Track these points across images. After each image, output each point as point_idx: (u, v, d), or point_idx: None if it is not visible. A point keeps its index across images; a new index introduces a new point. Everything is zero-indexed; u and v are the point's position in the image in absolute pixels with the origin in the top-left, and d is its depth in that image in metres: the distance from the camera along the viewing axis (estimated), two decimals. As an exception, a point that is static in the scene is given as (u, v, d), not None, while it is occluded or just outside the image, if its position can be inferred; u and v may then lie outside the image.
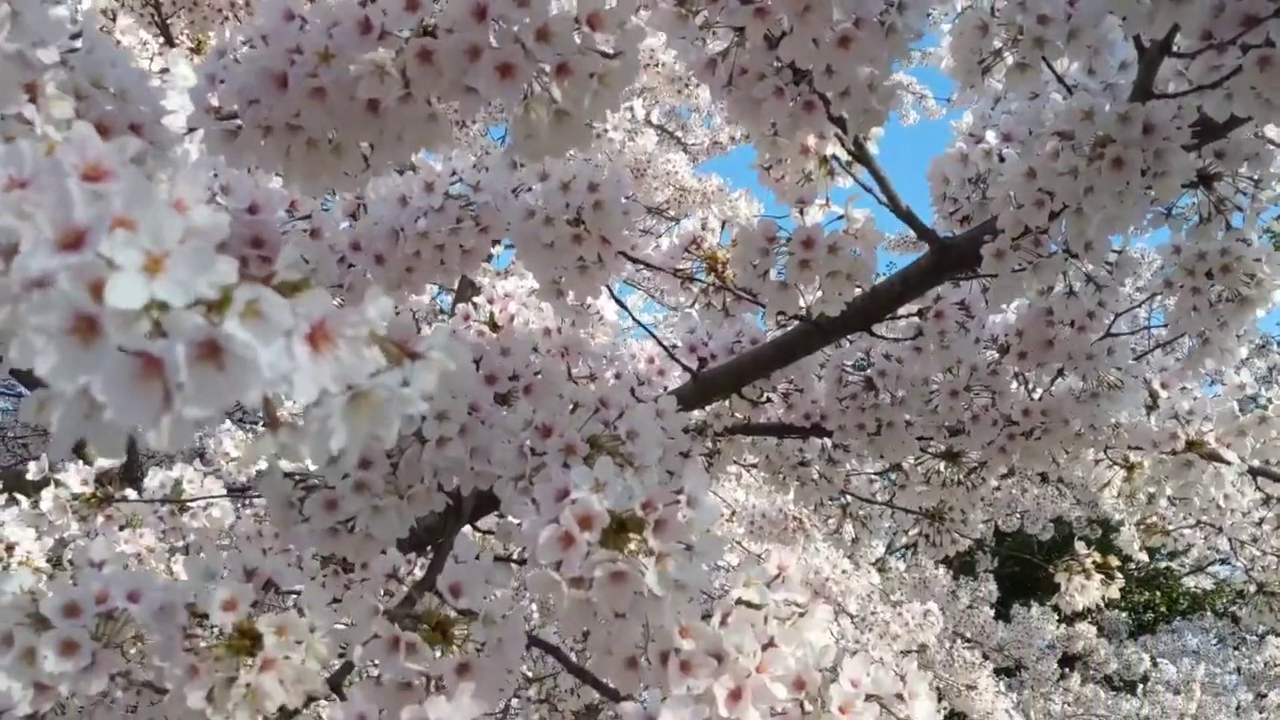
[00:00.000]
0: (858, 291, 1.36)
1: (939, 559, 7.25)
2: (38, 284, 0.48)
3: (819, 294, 1.31)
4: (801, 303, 1.35)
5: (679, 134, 5.47)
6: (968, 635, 6.47)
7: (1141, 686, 8.02)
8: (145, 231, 0.46)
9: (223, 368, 0.44)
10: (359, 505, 1.03)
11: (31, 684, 0.81)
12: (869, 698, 0.93)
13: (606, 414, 1.03)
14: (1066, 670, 7.71)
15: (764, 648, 0.94)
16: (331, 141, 0.89)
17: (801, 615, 1.01)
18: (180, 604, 0.88)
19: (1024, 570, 9.91)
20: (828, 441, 1.94)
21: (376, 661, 0.91)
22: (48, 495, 1.78)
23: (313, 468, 1.12)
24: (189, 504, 1.91)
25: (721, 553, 0.90)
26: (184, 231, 0.47)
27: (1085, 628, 7.93)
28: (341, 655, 0.99)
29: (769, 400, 1.75)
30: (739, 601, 0.99)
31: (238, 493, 2.01)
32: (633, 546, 0.89)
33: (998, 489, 5.28)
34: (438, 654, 0.92)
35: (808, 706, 0.94)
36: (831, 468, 1.98)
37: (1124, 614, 10.08)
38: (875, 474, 2.28)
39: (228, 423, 2.95)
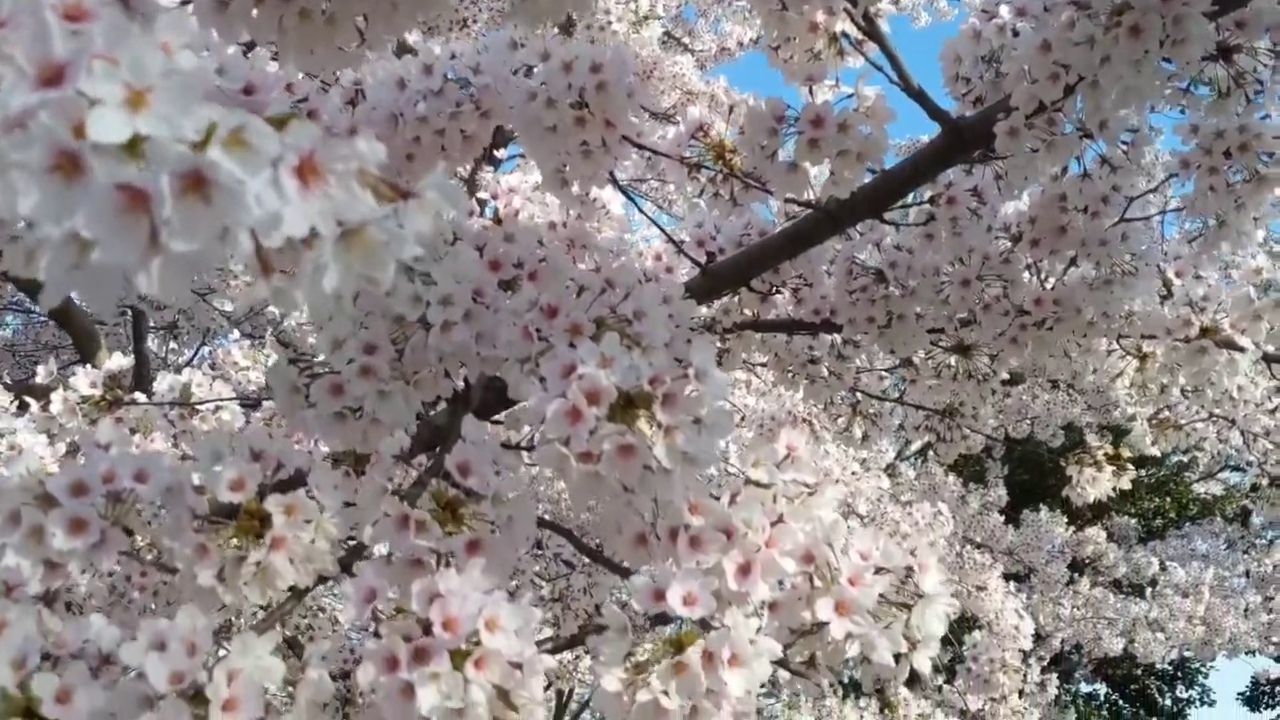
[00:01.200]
0: (868, 176, 1.34)
1: (948, 463, 7.29)
2: (18, 122, 0.46)
3: (829, 180, 1.29)
4: (810, 194, 1.33)
5: (686, 40, 5.37)
6: (977, 540, 6.53)
7: (1150, 590, 8.10)
8: (127, 66, 0.45)
9: (209, 201, 0.43)
10: (365, 390, 1.03)
11: (40, 561, 0.81)
12: (878, 571, 0.93)
13: (613, 295, 1.02)
14: (1076, 575, 7.79)
15: (773, 524, 0.94)
16: (325, 12, 0.87)
17: (810, 495, 1.01)
18: (188, 484, 0.88)
19: (1033, 478, 9.98)
20: (837, 337, 1.93)
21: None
22: (57, 398, 1.78)
23: (319, 357, 1.11)
24: (198, 407, 1.92)
25: (731, 427, 0.89)
26: (166, 68, 0.45)
27: (1095, 532, 8.00)
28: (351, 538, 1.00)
29: (778, 293, 1.73)
30: (747, 481, 0.99)
31: (247, 399, 2.01)
32: (641, 423, 0.88)
33: (1008, 395, 5.29)
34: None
35: (817, 580, 0.94)
36: (841, 363, 1.97)
37: (1133, 520, 10.16)
38: (885, 371, 2.27)
39: (236, 333, 2.95)
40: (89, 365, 3.28)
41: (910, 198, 1.53)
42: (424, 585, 0.82)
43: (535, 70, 1.20)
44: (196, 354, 4.57)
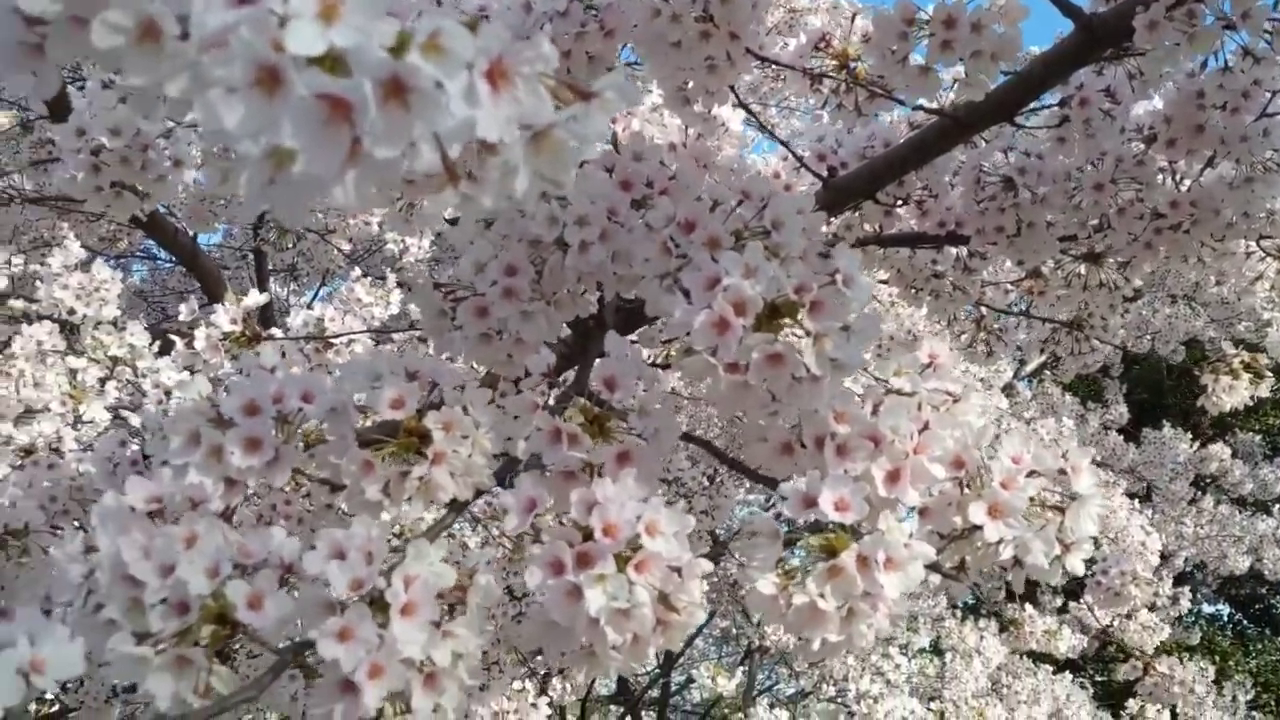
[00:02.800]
0: (1001, 78, 1.30)
1: (1066, 382, 7.13)
2: (216, 41, 0.48)
3: (961, 84, 1.26)
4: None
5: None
6: (1098, 459, 6.40)
7: (1277, 507, 7.86)
8: (318, -22, 0.46)
9: (408, 106, 0.44)
10: (508, 311, 1.05)
11: (220, 479, 0.86)
12: (1030, 474, 0.93)
13: (749, 207, 1.02)
14: (1198, 493, 7.58)
15: (920, 430, 0.94)
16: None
17: (956, 402, 1.00)
18: (351, 404, 0.92)
19: (1152, 397, 9.71)
20: (962, 250, 1.89)
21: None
22: (200, 335, 1.86)
23: (462, 279, 1.14)
24: (332, 340, 1.97)
25: (879, 331, 0.89)
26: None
27: (1219, 449, 7.76)
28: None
29: (903, 205, 1.70)
30: (889, 390, 0.99)
31: (379, 330, 2.07)
32: (786, 331, 0.89)
33: (1127, 310, 5.14)
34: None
35: (967, 486, 0.94)
36: (966, 277, 1.93)
37: (1258, 436, 9.83)
38: (1010, 284, 2.22)
39: (357, 270, 3.02)
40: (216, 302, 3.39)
41: (1040, 101, 1.49)
42: (582, 494, 0.84)
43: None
44: (316, 294, 4.70)
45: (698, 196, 1.09)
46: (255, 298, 1.91)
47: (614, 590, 0.77)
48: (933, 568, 0.91)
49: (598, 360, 0.94)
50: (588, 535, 0.82)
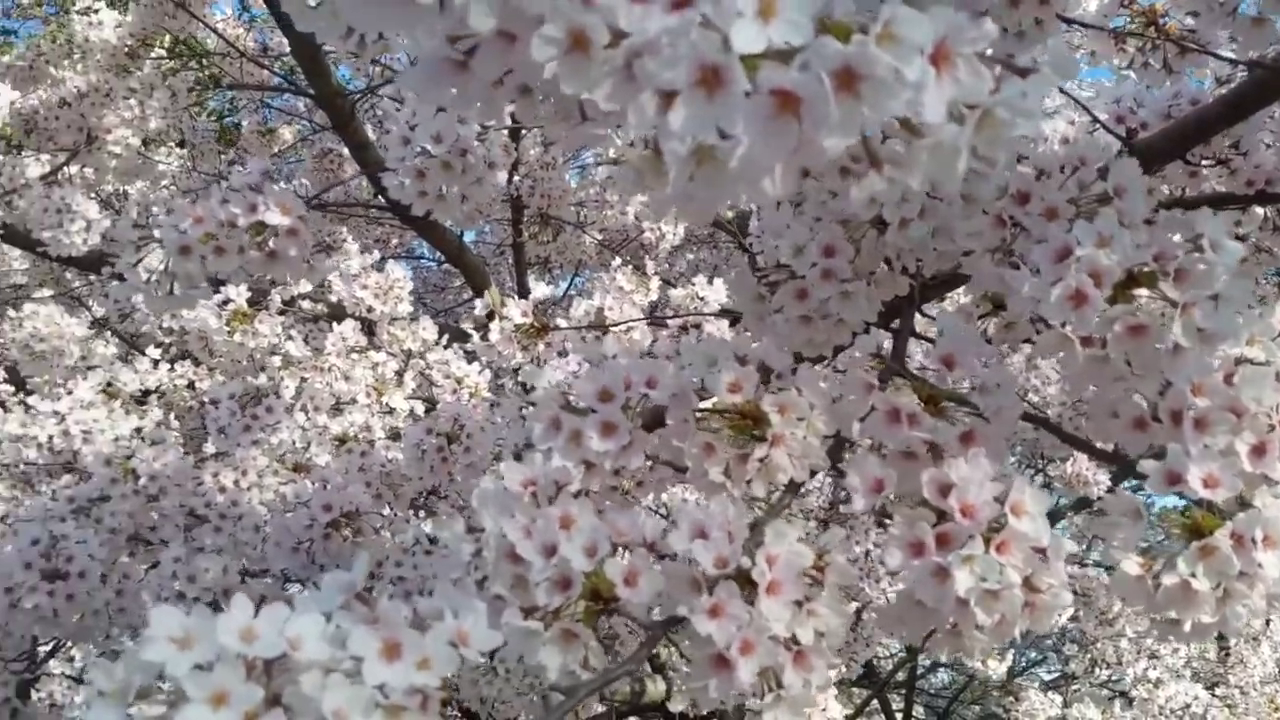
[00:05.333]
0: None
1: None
2: (651, 47, 0.51)
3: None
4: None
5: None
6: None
7: None
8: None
9: (858, 95, 0.45)
10: (828, 292, 1.05)
11: (580, 462, 0.90)
12: None
13: (1084, 173, 0.99)
14: None
15: (1284, 402, 0.89)
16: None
17: (1318, 371, 0.94)
18: (690, 389, 0.94)
19: None
20: (1270, 210, 1.76)
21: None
22: (495, 328, 1.95)
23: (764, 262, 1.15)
24: (612, 328, 2.03)
25: (1250, 296, 0.85)
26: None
27: None
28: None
29: (1213, 165, 1.60)
30: (1239, 360, 0.94)
31: (656, 319, 2.12)
32: (1142, 302, 0.85)
33: None
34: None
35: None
36: (1275, 237, 1.80)
37: None
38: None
39: (617, 260, 3.10)
40: (482, 299, 3.55)
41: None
42: (934, 475, 0.83)
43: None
44: (570, 284, 4.86)
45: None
46: (544, 290, 1.99)
47: (983, 571, 0.77)
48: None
49: (940, 338, 0.93)
50: (941, 516, 0.82)
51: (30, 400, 1.99)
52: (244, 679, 0.59)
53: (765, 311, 1.09)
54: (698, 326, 2.11)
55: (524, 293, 4.22)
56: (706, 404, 0.95)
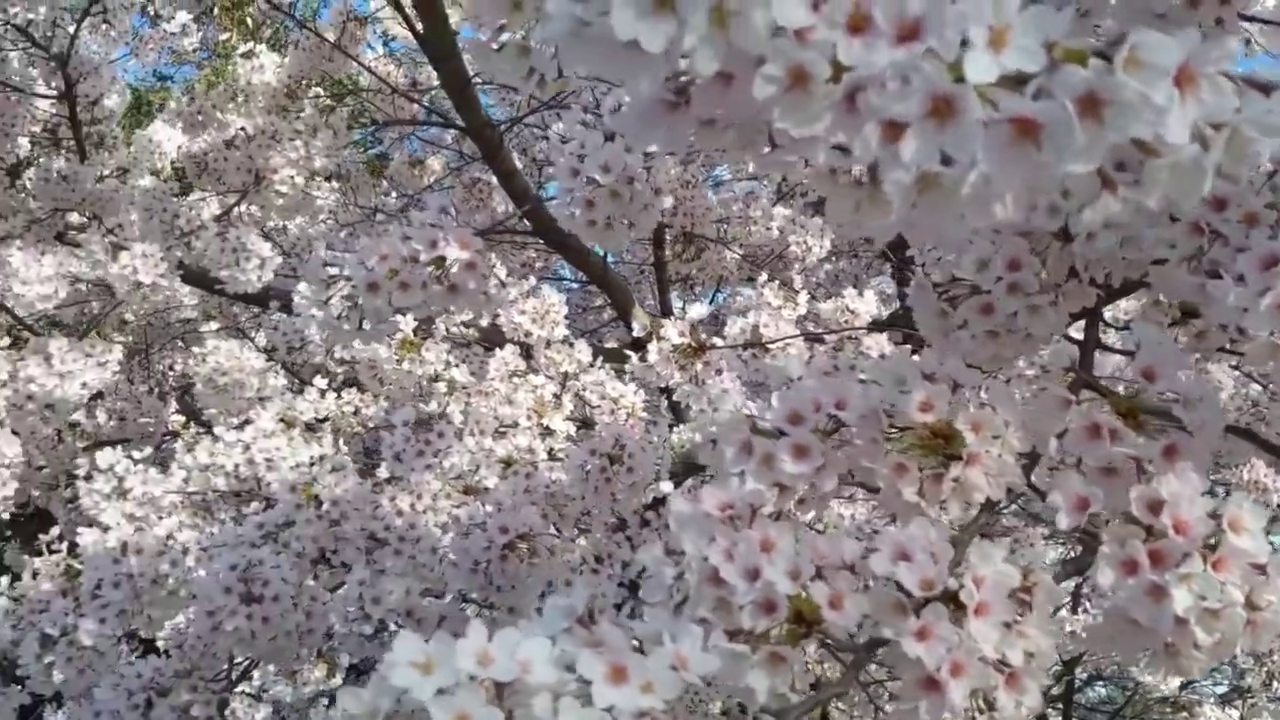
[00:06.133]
0: None
1: None
2: (876, 80, 0.51)
3: None
4: None
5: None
6: None
7: None
8: (989, 9, 0.48)
9: (1101, 120, 0.45)
10: (1015, 306, 1.04)
11: (773, 485, 0.91)
12: None
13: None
14: None
15: None
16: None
17: None
18: (880, 409, 0.94)
19: None
20: None
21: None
22: (653, 349, 1.98)
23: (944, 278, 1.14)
24: (769, 346, 2.04)
25: None
26: (1020, 6, 0.48)
27: None
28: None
29: None
30: None
31: (811, 335, 2.11)
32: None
33: None
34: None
35: None
36: None
37: None
38: None
39: (764, 276, 3.10)
40: (627, 320, 3.59)
41: None
42: (1143, 492, 0.82)
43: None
44: (712, 301, 4.87)
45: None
46: (699, 310, 2.01)
47: (1202, 589, 0.75)
48: None
49: (1139, 351, 0.91)
50: (1149, 533, 0.80)
51: (218, 431, 2.10)
52: (484, 702, 0.62)
53: (948, 327, 1.08)
54: (854, 340, 2.10)
55: (666, 311, 4.25)
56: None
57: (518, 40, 1.03)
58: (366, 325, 1.33)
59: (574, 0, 0.56)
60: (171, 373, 4.95)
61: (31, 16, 2.99)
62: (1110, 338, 1.42)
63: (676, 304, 5.19)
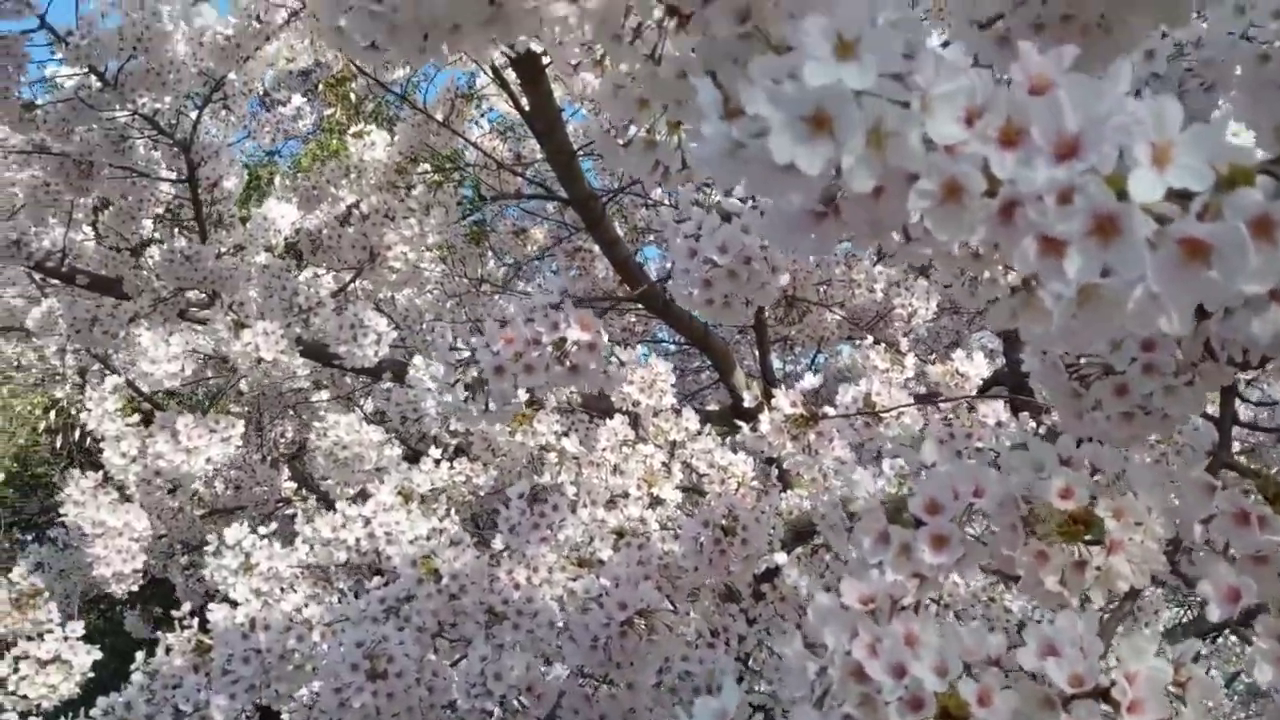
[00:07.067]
0: None
1: None
2: (1032, 197, 0.52)
3: None
4: None
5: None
6: None
7: None
8: (1152, 127, 0.48)
9: (1274, 240, 0.45)
10: (1151, 386, 1.02)
11: (911, 575, 0.90)
12: None
13: None
14: None
15: None
16: (1101, 25, 0.88)
17: None
18: (1017, 495, 0.93)
19: None
20: None
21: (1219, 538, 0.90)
22: (765, 419, 1.98)
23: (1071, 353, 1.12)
24: (883, 414, 2.02)
25: None
26: (1183, 122, 0.48)
27: None
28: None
29: None
30: None
31: (927, 399, 2.09)
32: None
33: None
34: None
35: None
36: None
37: None
38: None
39: (869, 338, 3.09)
40: (728, 381, 3.59)
41: None
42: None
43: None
44: (813, 362, 4.86)
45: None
46: (810, 380, 2.01)
47: (1375, 690, 0.72)
48: None
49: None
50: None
51: (339, 506, 2.15)
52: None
53: (1082, 408, 1.07)
54: (970, 408, 2.07)
55: (767, 372, 4.25)
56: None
57: (645, 136, 1.06)
58: (493, 407, 1.36)
59: (728, 122, 0.58)
60: (283, 439, 5.10)
61: (159, 106, 3.14)
62: (1242, 409, 1.38)
63: (776, 364, 5.18)
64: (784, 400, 1.98)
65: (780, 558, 1.99)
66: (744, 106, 0.57)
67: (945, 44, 0.97)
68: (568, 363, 1.39)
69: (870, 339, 3.04)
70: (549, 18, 0.91)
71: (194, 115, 3.38)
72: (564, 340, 1.38)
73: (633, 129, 1.07)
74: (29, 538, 7.70)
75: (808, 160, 0.53)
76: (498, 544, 2.13)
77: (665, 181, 1.11)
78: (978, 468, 0.94)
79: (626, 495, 2.28)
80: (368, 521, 2.07)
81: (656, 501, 2.29)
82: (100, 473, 2.70)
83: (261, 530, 2.11)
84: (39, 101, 2.92)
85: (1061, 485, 0.92)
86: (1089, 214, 0.49)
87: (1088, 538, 0.92)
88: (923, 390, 2.96)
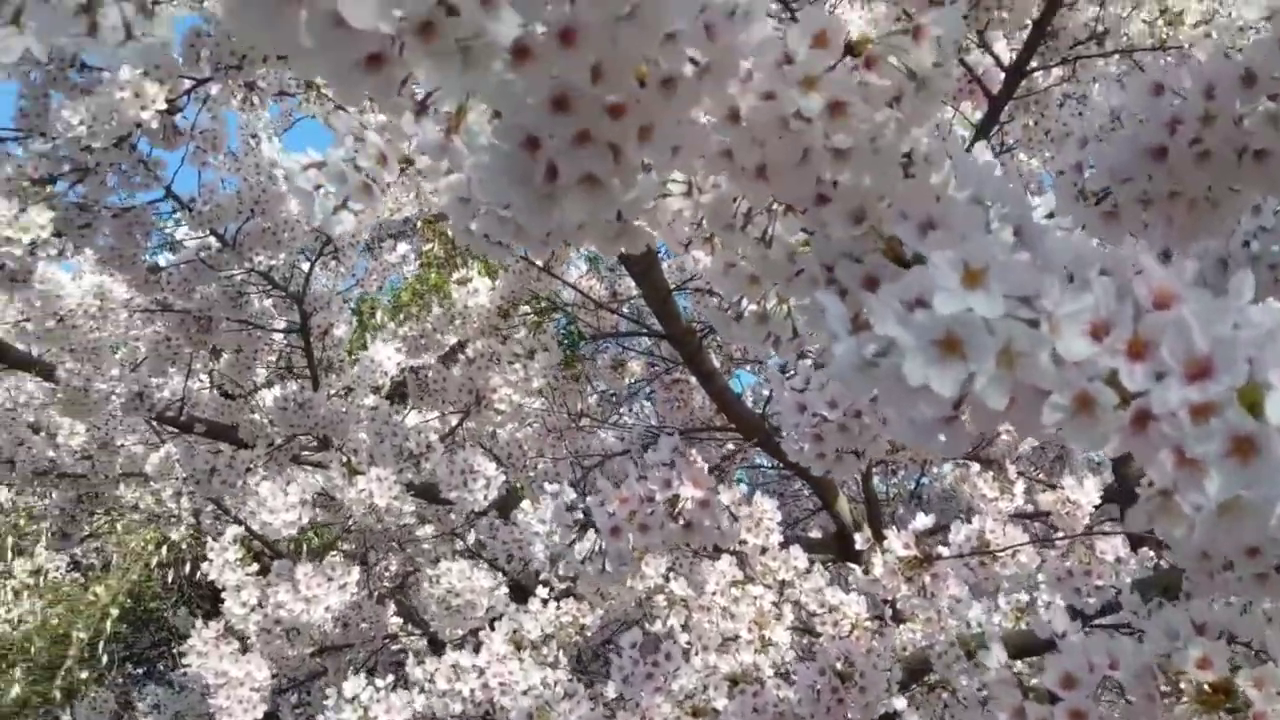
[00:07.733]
0: None
1: None
2: (1167, 414, 0.53)
3: None
4: None
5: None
6: None
7: None
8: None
9: None
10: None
11: (1049, 752, 0.89)
12: None
13: None
14: None
15: None
16: (1208, 199, 0.90)
17: None
18: (1154, 666, 0.92)
19: None
20: None
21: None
22: (877, 561, 1.96)
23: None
24: (998, 554, 1.99)
25: None
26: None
27: None
28: None
29: None
30: None
31: (1043, 540, 2.06)
32: None
33: None
34: None
35: None
36: None
37: None
38: None
39: (976, 465, 3.05)
40: (830, 508, 3.55)
41: None
42: None
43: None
44: (916, 484, 4.80)
45: None
46: (923, 520, 1.99)
47: None
48: None
49: None
50: None
51: (452, 655, 2.17)
52: None
53: (1213, 568, 1.05)
54: (1088, 546, 2.03)
55: (870, 496, 4.21)
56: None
57: (756, 310, 1.09)
58: (609, 568, 1.38)
59: (856, 337, 0.60)
60: (388, 573, 5.15)
61: (273, 263, 3.30)
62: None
63: (879, 486, 5.12)
64: (897, 542, 1.96)
65: (899, 703, 1.95)
66: (872, 324, 0.59)
67: (1050, 215, 1.00)
68: (681, 520, 1.41)
69: (976, 464, 3.00)
70: (665, 211, 0.95)
71: (305, 268, 3.54)
72: (677, 498, 1.41)
73: (744, 303, 1.11)
74: (140, 671, 7.84)
75: (940, 382, 0.55)
76: (609, 692, 2.12)
77: (777, 349, 1.14)
78: (1111, 641, 0.93)
79: (737, 638, 2.26)
80: (482, 672, 2.08)
81: (767, 644, 2.27)
82: (221, 622, 2.76)
83: (379, 682, 2.14)
84: (161, 263, 3.09)
85: (1199, 656, 0.90)
86: (1227, 436, 0.50)
87: (1228, 707, 0.90)
88: (1031, 510, 2.90)
